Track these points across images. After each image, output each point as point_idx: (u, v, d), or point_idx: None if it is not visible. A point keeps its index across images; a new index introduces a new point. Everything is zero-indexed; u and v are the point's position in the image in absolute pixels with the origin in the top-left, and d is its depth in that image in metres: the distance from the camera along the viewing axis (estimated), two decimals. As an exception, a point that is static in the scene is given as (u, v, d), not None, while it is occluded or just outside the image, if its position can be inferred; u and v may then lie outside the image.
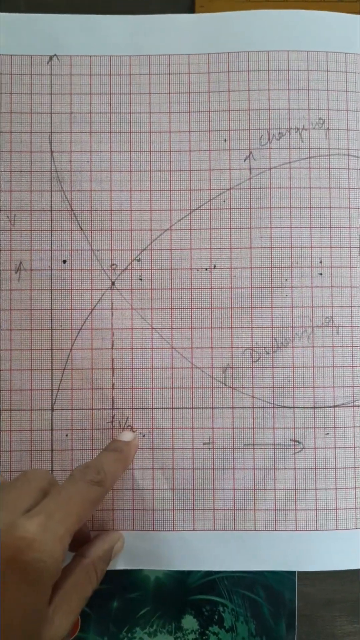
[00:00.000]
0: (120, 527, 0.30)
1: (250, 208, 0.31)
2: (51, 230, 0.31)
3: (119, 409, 0.31)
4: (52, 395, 0.31)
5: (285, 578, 0.32)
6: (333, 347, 0.31)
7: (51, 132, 0.32)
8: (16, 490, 0.23)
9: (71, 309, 0.31)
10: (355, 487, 0.30)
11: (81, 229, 0.31)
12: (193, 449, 0.31)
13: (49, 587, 0.22)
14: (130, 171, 0.31)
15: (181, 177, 0.31)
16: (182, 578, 0.32)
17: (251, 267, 0.31)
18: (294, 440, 0.30)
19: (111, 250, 0.31)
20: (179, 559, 0.30)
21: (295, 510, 0.30)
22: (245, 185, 0.31)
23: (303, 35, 0.31)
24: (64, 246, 0.31)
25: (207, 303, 0.31)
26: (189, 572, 0.32)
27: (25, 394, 0.31)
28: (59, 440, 0.31)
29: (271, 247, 0.31)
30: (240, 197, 0.31)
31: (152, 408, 0.31)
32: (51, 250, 0.31)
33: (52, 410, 0.31)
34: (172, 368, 0.31)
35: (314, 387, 0.31)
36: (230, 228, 0.31)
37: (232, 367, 0.31)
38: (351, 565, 0.30)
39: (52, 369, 0.31)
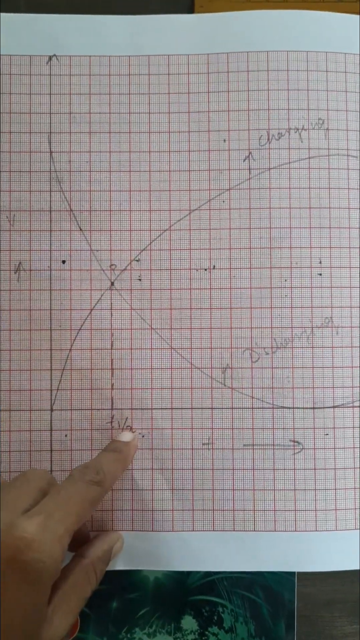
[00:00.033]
0: (120, 527, 0.30)
1: (250, 208, 0.31)
2: (50, 231, 0.31)
3: (118, 409, 0.31)
4: (51, 395, 0.31)
5: (284, 579, 0.32)
6: (332, 347, 0.31)
7: (50, 132, 0.32)
8: (15, 490, 0.24)
9: (70, 310, 0.31)
10: (355, 488, 0.30)
11: (80, 229, 0.31)
12: (192, 449, 0.30)
13: (49, 587, 0.22)
14: (130, 171, 0.31)
15: (180, 178, 0.31)
16: (181, 578, 0.32)
17: (250, 268, 0.31)
18: (294, 441, 0.30)
19: (110, 250, 0.31)
20: (178, 559, 0.30)
21: (295, 510, 0.30)
22: (244, 186, 0.31)
23: (303, 35, 0.31)
24: (63, 246, 0.31)
25: (206, 303, 0.31)
26: (189, 573, 0.32)
27: (25, 394, 0.31)
28: (59, 440, 0.31)
29: (271, 248, 0.31)
30: (240, 197, 0.31)
31: (152, 408, 0.31)
32: (50, 250, 0.31)
33: (52, 410, 0.31)
34: (171, 368, 0.31)
35: (313, 387, 0.31)
36: (230, 228, 0.31)
37: (231, 368, 0.31)
38: (351, 565, 0.30)
39: (51, 370, 0.31)
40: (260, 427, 0.30)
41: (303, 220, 0.31)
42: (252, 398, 0.31)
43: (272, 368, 0.31)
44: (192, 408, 0.31)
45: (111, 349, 0.31)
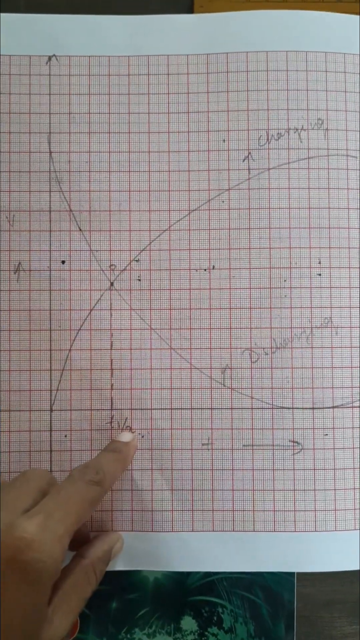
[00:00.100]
0: (119, 527, 0.30)
1: (249, 208, 0.31)
2: (50, 231, 0.31)
3: (118, 409, 0.31)
4: (51, 396, 0.31)
5: (283, 579, 0.32)
6: (332, 347, 0.31)
7: (50, 133, 0.32)
8: (15, 490, 0.24)
9: (70, 310, 0.31)
10: (355, 488, 0.30)
11: (80, 230, 0.31)
12: (192, 449, 0.30)
13: (49, 587, 0.22)
14: (129, 172, 0.31)
15: (180, 178, 0.31)
16: (181, 579, 0.32)
17: (250, 268, 0.31)
18: (293, 441, 0.30)
19: (110, 250, 0.31)
20: (178, 559, 0.30)
21: (295, 511, 0.30)
22: (244, 186, 0.31)
23: (302, 35, 0.31)
24: (62, 247, 0.31)
25: (206, 304, 0.31)
26: (188, 573, 0.32)
27: (24, 394, 0.31)
28: (58, 441, 0.31)
29: (270, 248, 0.31)
30: (239, 197, 0.31)
31: (151, 409, 0.31)
32: (50, 250, 0.31)
33: (51, 411, 0.31)
34: (171, 369, 0.31)
35: (313, 387, 0.31)
36: (229, 228, 0.31)
37: (231, 368, 0.31)
38: (351, 566, 0.30)
39: (51, 370, 0.31)
40: (259, 428, 0.30)
41: (302, 221, 0.31)
42: (252, 398, 0.31)
43: (272, 368, 0.31)
44: (191, 408, 0.31)
45: (111, 349, 0.31)
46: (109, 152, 0.32)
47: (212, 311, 0.31)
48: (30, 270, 0.31)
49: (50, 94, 0.32)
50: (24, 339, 0.31)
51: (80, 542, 0.28)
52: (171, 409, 0.31)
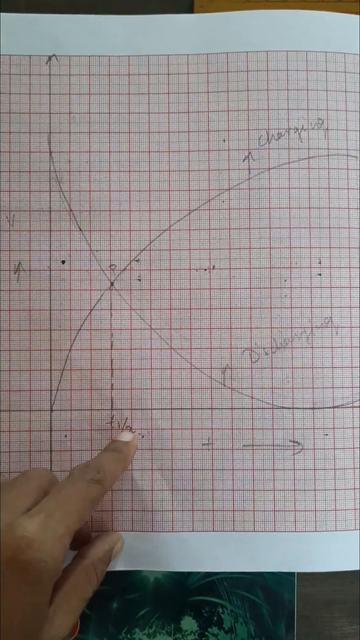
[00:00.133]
0: (120, 528, 0.30)
1: (250, 208, 0.31)
2: (50, 231, 0.31)
3: (118, 409, 0.31)
4: (51, 396, 0.31)
5: (284, 579, 0.32)
6: (332, 347, 0.31)
7: (50, 132, 0.32)
8: (16, 489, 0.23)
9: (70, 310, 0.31)
10: (355, 488, 0.30)
11: (80, 230, 0.31)
12: (192, 449, 0.30)
13: (49, 587, 0.22)
14: (129, 171, 0.31)
15: (180, 178, 0.31)
16: (181, 579, 0.32)
17: (250, 268, 0.31)
18: (294, 441, 0.30)
19: (110, 250, 0.31)
20: (178, 560, 0.30)
21: (295, 511, 0.30)
22: (244, 186, 0.31)
23: (302, 35, 0.31)
24: (62, 246, 0.31)
25: (206, 303, 0.31)
26: (189, 573, 0.32)
27: (24, 394, 0.31)
28: (58, 441, 0.31)
29: (270, 248, 0.31)
30: (239, 197, 0.31)
31: (151, 409, 0.31)
32: (50, 250, 0.31)
33: (51, 411, 0.31)
34: (171, 369, 0.31)
35: (313, 387, 0.31)
36: (230, 228, 0.31)
37: (231, 368, 0.31)
38: (351, 566, 0.30)
39: (51, 370, 0.31)
40: (260, 428, 0.30)
41: (303, 220, 0.31)
42: (252, 398, 0.31)
43: (272, 368, 0.31)
44: (192, 408, 0.31)
45: (111, 349, 0.31)
46: (109, 152, 0.32)
47: (212, 311, 0.31)
48: (30, 270, 0.31)
49: (50, 94, 0.32)
50: (24, 339, 0.31)
51: (81, 541, 0.28)
52: (171, 409, 0.31)
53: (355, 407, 0.31)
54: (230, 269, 0.31)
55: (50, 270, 0.31)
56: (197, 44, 0.32)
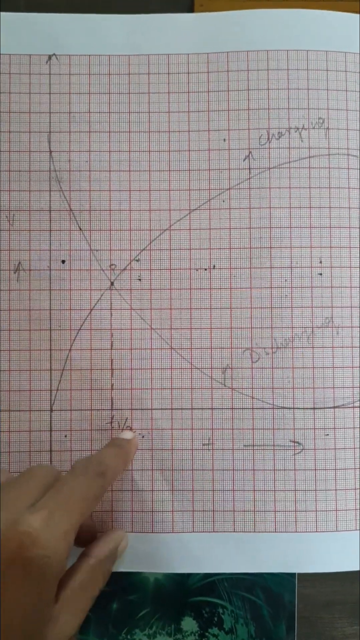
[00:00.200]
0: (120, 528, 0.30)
1: (250, 208, 0.31)
2: (50, 230, 0.31)
3: (118, 409, 0.31)
4: (51, 396, 0.31)
5: (284, 580, 0.31)
6: (333, 347, 0.31)
7: (50, 132, 0.32)
8: (20, 486, 0.23)
9: (70, 310, 0.31)
10: (355, 488, 0.30)
11: (80, 229, 0.31)
12: (192, 449, 0.30)
13: (53, 584, 0.21)
14: (130, 171, 0.31)
15: (180, 177, 0.31)
16: (181, 580, 0.32)
17: (250, 268, 0.31)
18: (294, 441, 0.30)
19: (110, 250, 0.31)
20: (178, 560, 0.30)
21: (295, 511, 0.30)
22: (244, 185, 0.31)
23: (303, 34, 0.31)
24: (62, 246, 0.31)
25: (206, 303, 0.31)
26: (189, 574, 0.32)
27: (24, 394, 0.31)
28: (58, 441, 0.31)
29: (271, 247, 0.31)
30: (240, 197, 0.31)
31: (152, 409, 0.31)
32: (50, 250, 0.31)
33: (51, 411, 0.31)
34: (171, 368, 0.31)
35: (313, 387, 0.30)
36: (230, 228, 0.31)
37: (231, 368, 0.31)
38: (351, 566, 0.30)
39: (50, 370, 0.31)
40: (260, 428, 0.30)
41: (303, 220, 0.31)
42: (252, 398, 0.31)
43: (272, 368, 0.31)
44: (192, 408, 0.31)
45: (111, 349, 0.31)
46: (109, 151, 0.31)
47: (213, 311, 0.31)
48: (30, 270, 0.31)
49: (50, 93, 0.32)
50: (24, 338, 0.31)
51: (86, 538, 0.27)
52: (171, 409, 0.31)
53: (355, 407, 0.30)
54: (230, 268, 0.31)
55: (50, 270, 0.31)
56: (198, 43, 0.32)
